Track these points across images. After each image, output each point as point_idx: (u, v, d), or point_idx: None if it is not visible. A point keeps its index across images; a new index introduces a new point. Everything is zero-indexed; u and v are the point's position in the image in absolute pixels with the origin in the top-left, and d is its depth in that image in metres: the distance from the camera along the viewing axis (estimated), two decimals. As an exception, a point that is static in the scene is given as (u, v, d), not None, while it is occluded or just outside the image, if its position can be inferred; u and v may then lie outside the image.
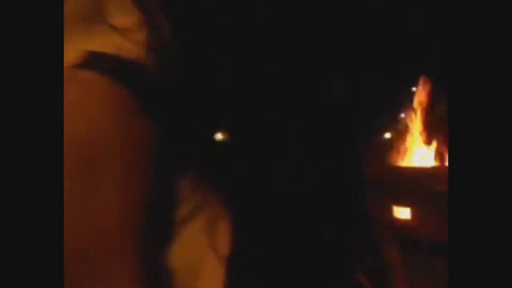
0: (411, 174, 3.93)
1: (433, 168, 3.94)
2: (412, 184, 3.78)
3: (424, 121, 4.19)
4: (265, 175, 0.45)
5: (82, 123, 0.32)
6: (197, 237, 0.37)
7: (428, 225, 3.58)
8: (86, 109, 0.32)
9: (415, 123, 4.26)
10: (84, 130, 0.32)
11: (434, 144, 4.06)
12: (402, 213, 3.79)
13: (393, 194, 3.97)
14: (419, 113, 4.25)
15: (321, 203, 0.91)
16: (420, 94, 4.43)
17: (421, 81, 4.43)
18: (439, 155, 4.02)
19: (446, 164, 3.99)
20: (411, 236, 3.64)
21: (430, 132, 4.13)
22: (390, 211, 3.85)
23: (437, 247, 3.40)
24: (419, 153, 4.16)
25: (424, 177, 3.77)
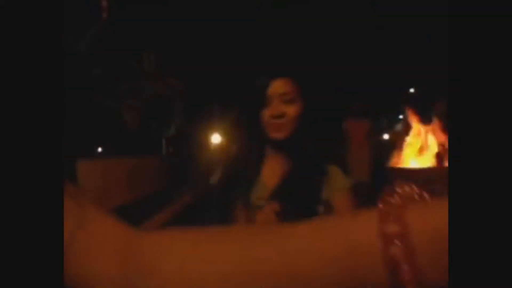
0: (410, 175, 3.92)
1: (432, 169, 3.93)
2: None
3: (423, 122, 4.19)
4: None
5: None
6: None
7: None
8: None
9: (414, 124, 4.26)
10: None
11: (433, 145, 4.06)
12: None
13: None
14: (418, 114, 4.26)
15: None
16: (419, 95, 4.45)
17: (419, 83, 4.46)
18: (438, 156, 4.01)
19: (445, 165, 3.99)
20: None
21: (429, 133, 4.13)
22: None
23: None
24: (418, 154, 4.16)
25: (423, 178, 3.76)
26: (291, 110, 1.31)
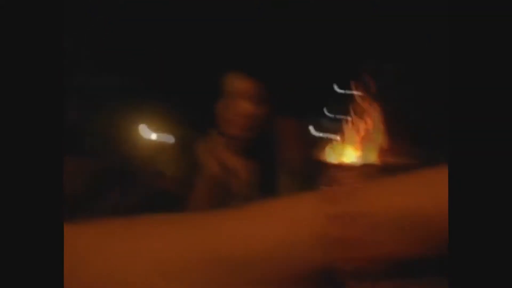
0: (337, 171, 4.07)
1: (368, 165, 4.10)
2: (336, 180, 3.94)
3: (359, 119, 4.34)
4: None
5: None
6: None
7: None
8: None
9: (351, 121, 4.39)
10: None
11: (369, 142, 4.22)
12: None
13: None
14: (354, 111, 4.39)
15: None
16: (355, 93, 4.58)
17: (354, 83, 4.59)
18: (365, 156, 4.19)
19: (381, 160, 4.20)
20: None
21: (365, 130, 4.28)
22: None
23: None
24: (354, 151, 4.29)
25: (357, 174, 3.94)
26: (257, 111, 1.32)
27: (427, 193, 0.29)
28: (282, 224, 0.31)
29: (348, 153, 4.25)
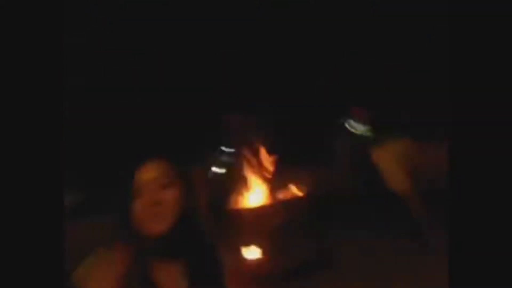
0: (249, 215, 4.09)
1: (269, 205, 4.15)
2: (252, 224, 3.97)
3: (255, 158, 4.39)
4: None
5: None
6: None
7: (276, 258, 3.80)
8: None
9: (247, 161, 4.42)
10: None
11: (265, 181, 4.28)
12: (250, 253, 3.88)
13: (240, 236, 4.01)
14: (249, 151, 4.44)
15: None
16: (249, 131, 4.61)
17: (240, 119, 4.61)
18: (271, 191, 4.24)
19: (280, 198, 4.29)
20: (263, 270, 3.76)
21: (262, 169, 4.33)
22: (240, 253, 3.89)
23: (289, 273, 3.67)
24: (253, 192, 4.32)
25: (261, 215, 3.98)
26: (170, 196, 1.08)
27: None
28: None
29: (258, 190, 4.26)
